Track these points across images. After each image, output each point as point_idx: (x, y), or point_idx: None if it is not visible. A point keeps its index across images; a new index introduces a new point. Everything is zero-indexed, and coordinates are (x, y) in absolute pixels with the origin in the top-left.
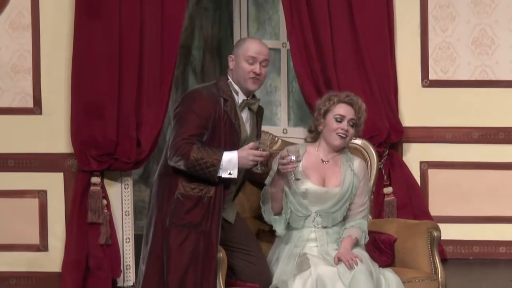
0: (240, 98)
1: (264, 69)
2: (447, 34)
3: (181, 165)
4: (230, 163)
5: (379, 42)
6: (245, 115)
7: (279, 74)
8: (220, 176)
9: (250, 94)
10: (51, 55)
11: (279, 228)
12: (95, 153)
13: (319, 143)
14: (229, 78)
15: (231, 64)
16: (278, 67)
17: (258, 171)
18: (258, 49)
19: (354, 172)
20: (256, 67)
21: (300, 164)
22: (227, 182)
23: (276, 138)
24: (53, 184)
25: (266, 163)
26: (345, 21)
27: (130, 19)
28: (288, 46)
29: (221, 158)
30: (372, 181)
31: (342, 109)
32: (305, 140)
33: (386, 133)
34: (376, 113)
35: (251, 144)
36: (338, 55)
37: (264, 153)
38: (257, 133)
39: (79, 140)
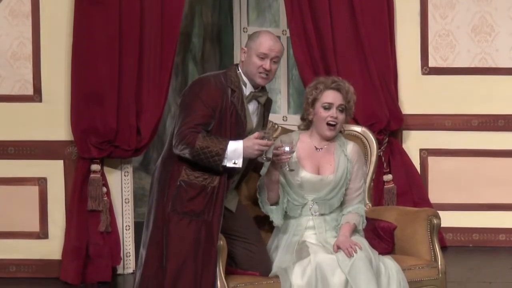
0: (248, 90)
1: (275, 66)
2: (446, 21)
3: (186, 153)
4: (235, 152)
5: (379, 29)
6: (252, 106)
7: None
8: (225, 166)
9: (258, 87)
10: (51, 43)
11: (276, 219)
12: (95, 140)
13: (311, 130)
14: (239, 69)
15: (242, 56)
16: None
17: (264, 161)
18: (271, 46)
19: (348, 157)
20: (266, 63)
21: (295, 152)
22: (231, 172)
23: (276, 126)
24: (53, 171)
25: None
26: (345, 8)
27: (131, 7)
28: (288, 34)
29: (226, 147)
30: (371, 168)
31: (329, 97)
32: (298, 127)
33: (386, 120)
34: (376, 100)
35: (256, 134)
36: (338, 43)
37: (270, 142)
38: (263, 125)
39: (79, 127)
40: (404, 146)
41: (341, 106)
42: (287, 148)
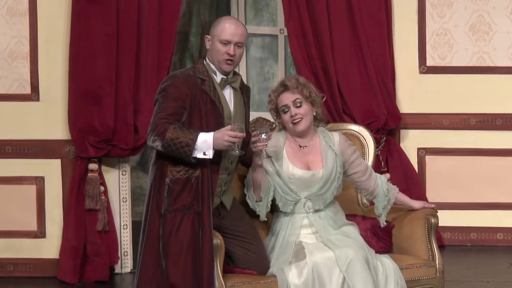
0: (218, 77)
1: (239, 50)
2: (444, 20)
3: (158, 145)
4: (205, 143)
5: (377, 28)
6: (228, 93)
7: (276, 60)
8: (196, 157)
9: (228, 74)
10: (49, 42)
11: (262, 213)
12: (93, 139)
13: (288, 134)
14: (206, 59)
15: (207, 44)
16: (275, 54)
17: (236, 154)
18: (233, 31)
19: (336, 152)
20: (230, 49)
21: (285, 150)
22: (203, 161)
23: (274, 125)
24: (51, 170)
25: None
26: (343, 7)
27: (128, 6)
28: (285, 33)
29: (197, 138)
30: None
31: (282, 100)
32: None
33: (383, 119)
34: (374, 99)
35: (228, 127)
36: (335, 42)
37: (240, 134)
38: (246, 113)
39: (77, 126)
40: (401, 145)
41: (297, 101)
42: (263, 135)
